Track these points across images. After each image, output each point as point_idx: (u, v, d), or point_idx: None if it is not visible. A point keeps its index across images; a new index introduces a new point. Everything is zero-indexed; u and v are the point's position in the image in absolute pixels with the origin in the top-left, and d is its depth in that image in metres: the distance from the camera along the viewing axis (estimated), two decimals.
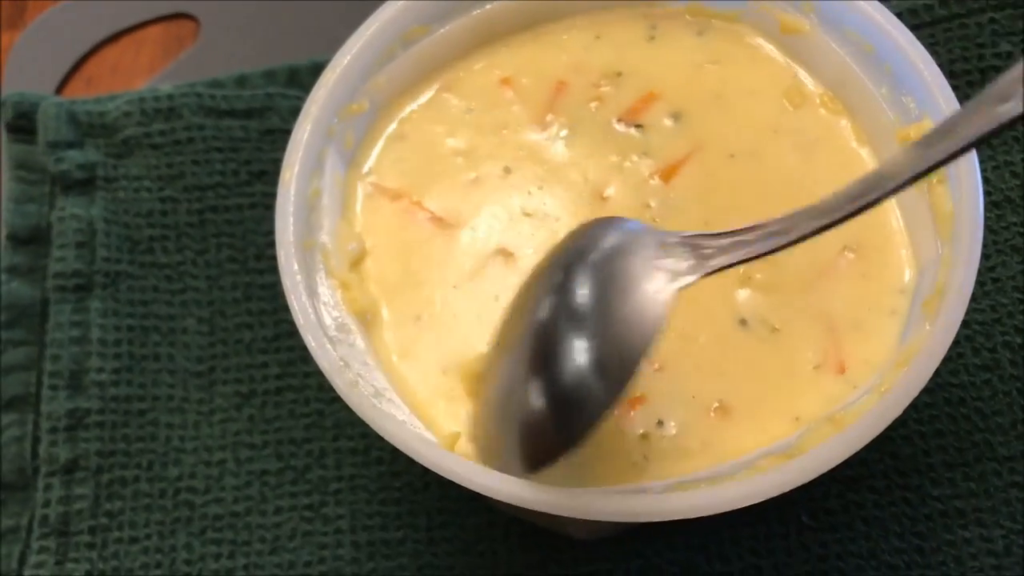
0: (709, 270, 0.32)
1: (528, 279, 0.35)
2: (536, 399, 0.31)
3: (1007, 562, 0.41)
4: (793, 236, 0.32)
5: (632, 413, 0.37)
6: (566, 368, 0.31)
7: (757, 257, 0.32)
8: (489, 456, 0.34)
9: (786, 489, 0.33)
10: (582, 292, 0.32)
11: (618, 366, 0.31)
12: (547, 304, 0.32)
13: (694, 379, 0.37)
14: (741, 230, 0.32)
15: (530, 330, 0.32)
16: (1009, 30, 0.49)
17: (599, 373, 0.31)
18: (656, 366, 0.38)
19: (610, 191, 0.41)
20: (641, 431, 0.37)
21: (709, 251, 0.32)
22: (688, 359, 0.38)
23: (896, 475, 0.43)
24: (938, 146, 0.30)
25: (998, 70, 0.49)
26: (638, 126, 0.43)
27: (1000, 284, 0.45)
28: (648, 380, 0.38)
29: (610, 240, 0.33)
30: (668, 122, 0.43)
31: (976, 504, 0.42)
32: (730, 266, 0.32)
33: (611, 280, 0.32)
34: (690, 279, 0.32)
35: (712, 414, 0.37)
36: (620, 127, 0.43)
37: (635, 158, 0.42)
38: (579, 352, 0.31)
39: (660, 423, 0.37)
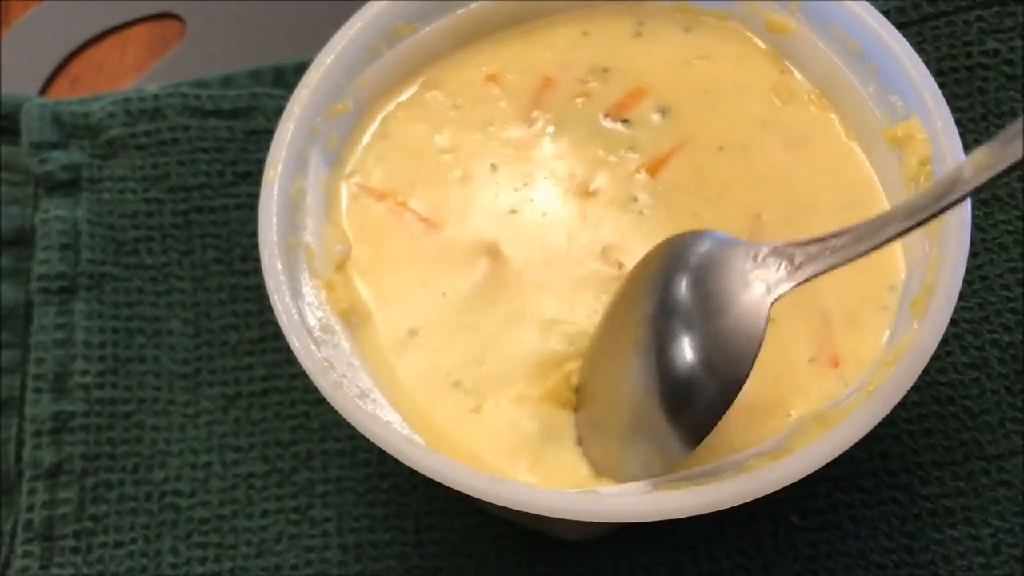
0: (803, 279, 0.33)
1: (625, 291, 0.37)
2: (658, 404, 0.34)
3: (996, 561, 0.41)
4: (880, 239, 0.32)
5: None
6: (686, 373, 0.33)
7: (846, 262, 0.32)
8: (606, 466, 0.36)
9: (774, 489, 0.33)
10: (686, 303, 0.34)
11: (726, 374, 0.33)
12: (658, 319, 0.34)
13: None
14: (828, 236, 0.33)
15: (645, 343, 0.34)
16: (996, 27, 0.49)
17: (713, 380, 0.33)
18: None
19: (596, 186, 0.41)
20: None
21: (799, 259, 0.33)
22: None
23: (885, 474, 0.43)
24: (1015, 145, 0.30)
25: (985, 68, 0.49)
26: (625, 121, 0.43)
27: (988, 282, 0.45)
28: None
29: (704, 254, 0.35)
30: (655, 117, 0.43)
31: (965, 503, 0.42)
32: (822, 272, 0.33)
33: (711, 292, 0.34)
34: (784, 288, 0.33)
35: None
36: (607, 123, 0.43)
37: (622, 153, 0.42)
38: (694, 358, 0.33)
39: None
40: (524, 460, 0.36)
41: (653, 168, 0.41)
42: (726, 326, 0.33)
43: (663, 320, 0.34)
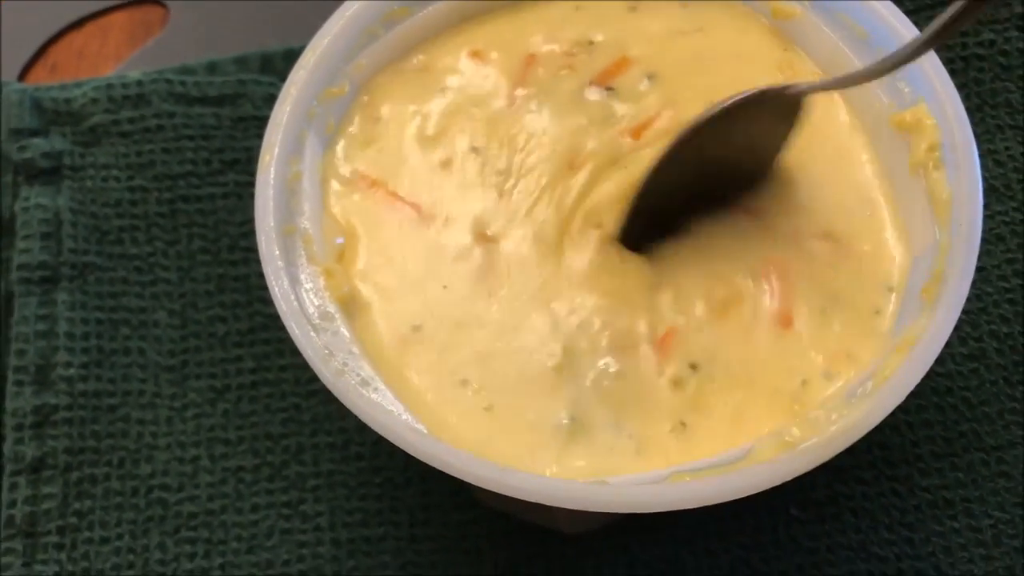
0: None
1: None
2: None
3: (996, 552, 0.41)
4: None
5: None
6: None
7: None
8: None
9: (789, 478, 0.32)
10: None
11: None
12: None
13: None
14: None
15: None
16: (991, 18, 0.49)
17: None
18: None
19: (584, 153, 0.40)
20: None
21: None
22: None
23: (884, 466, 0.42)
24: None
25: (981, 59, 0.49)
26: (609, 89, 0.42)
27: (985, 273, 0.45)
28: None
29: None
30: (643, 84, 0.42)
31: (964, 494, 0.42)
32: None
33: None
34: None
35: None
36: (592, 92, 0.42)
37: (607, 119, 0.41)
38: None
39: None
40: (546, 457, 0.35)
41: (637, 132, 0.40)
42: None
43: None
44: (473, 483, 0.32)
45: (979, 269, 0.45)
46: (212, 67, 0.52)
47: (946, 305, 0.34)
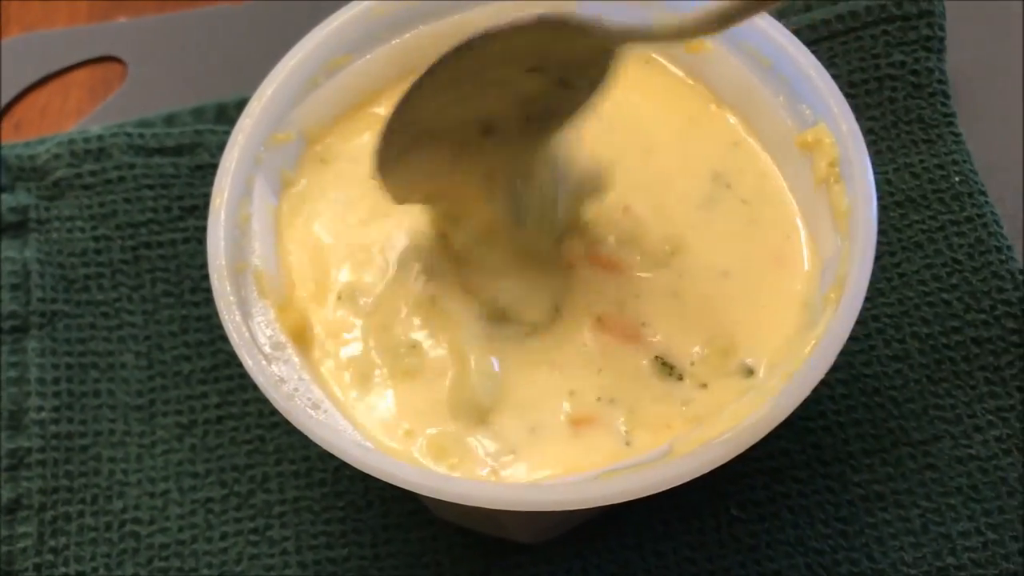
0: None
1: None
2: None
3: (924, 539, 0.43)
4: None
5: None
6: None
7: None
8: None
9: (714, 466, 0.34)
10: None
11: None
12: None
13: None
14: None
15: None
16: (900, 40, 0.52)
17: None
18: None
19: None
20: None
21: None
22: None
23: (818, 464, 0.45)
24: None
25: (894, 79, 0.52)
26: None
27: (906, 279, 0.48)
28: None
29: None
30: None
31: (894, 487, 0.44)
32: None
33: None
34: None
35: None
36: None
37: None
38: None
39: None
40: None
41: None
42: None
43: None
44: (418, 492, 0.34)
45: (900, 275, 0.48)
46: (170, 119, 0.55)
47: (846, 305, 0.36)
